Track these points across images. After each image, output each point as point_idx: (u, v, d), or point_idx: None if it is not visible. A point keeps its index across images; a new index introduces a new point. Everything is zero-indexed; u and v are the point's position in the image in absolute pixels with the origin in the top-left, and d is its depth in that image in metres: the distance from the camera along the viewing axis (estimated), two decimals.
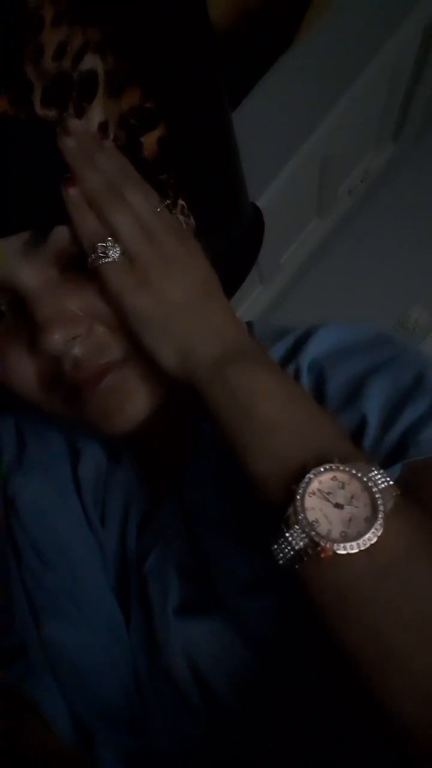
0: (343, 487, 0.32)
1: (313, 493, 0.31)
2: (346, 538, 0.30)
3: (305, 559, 0.31)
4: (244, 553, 0.40)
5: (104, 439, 0.51)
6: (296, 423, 0.34)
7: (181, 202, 0.41)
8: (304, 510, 0.31)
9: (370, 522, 0.31)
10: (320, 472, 0.31)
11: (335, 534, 0.31)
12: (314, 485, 0.31)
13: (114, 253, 0.36)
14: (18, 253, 0.36)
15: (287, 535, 0.31)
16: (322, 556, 0.30)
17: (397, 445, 0.38)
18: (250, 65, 0.93)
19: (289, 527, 0.31)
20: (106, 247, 0.36)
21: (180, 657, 0.41)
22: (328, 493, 0.31)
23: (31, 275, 0.37)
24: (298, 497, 0.31)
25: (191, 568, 0.44)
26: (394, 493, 0.32)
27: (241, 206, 0.51)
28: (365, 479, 0.32)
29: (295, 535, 0.31)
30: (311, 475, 0.31)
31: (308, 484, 0.31)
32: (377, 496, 0.31)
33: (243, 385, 0.35)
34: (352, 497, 0.31)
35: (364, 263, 1.70)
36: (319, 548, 0.30)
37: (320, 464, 0.32)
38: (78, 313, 0.38)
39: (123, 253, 0.36)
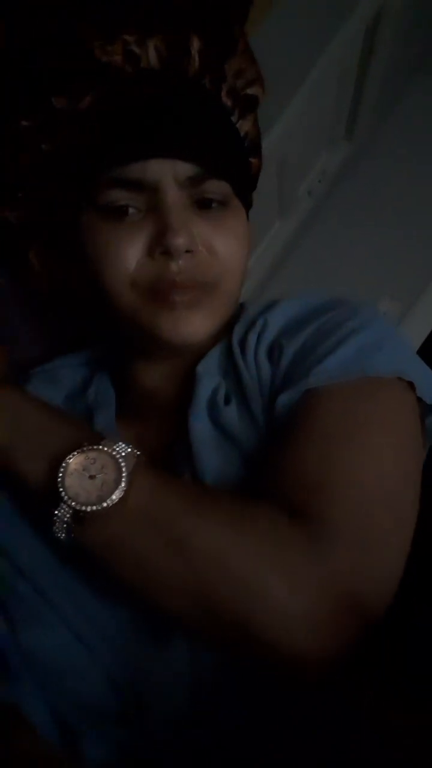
0: (94, 462, 0.39)
1: (72, 474, 0.39)
2: (101, 499, 0.38)
3: (76, 527, 0.38)
4: None
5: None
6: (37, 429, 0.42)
7: None
8: (65, 488, 0.38)
9: (118, 481, 0.38)
10: (74, 456, 0.39)
11: (93, 498, 0.38)
12: (72, 467, 0.39)
13: None
14: (180, 179, 0.45)
15: (56, 513, 0.39)
16: (88, 518, 0.38)
17: (301, 372, 0.45)
18: None
19: (57, 507, 0.39)
20: None
21: (181, 644, 0.45)
22: (84, 470, 0.39)
23: (178, 197, 0.46)
24: (59, 480, 0.39)
25: None
26: (135, 455, 0.39)
27: None
28: (110, 451, 0.39)
29: (62, 511, 0.38)
30: (68, 460, 0.39)
31: (66, 467, 0.39)
32: (120, 460, 0.39)
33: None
34: (102, 467, 0.39)
35: (330, 261, 1.69)
36: (81, 514, 0.38)
37: (72, 450, 0.39)
38: (196, 237, 0.46)
39: None
